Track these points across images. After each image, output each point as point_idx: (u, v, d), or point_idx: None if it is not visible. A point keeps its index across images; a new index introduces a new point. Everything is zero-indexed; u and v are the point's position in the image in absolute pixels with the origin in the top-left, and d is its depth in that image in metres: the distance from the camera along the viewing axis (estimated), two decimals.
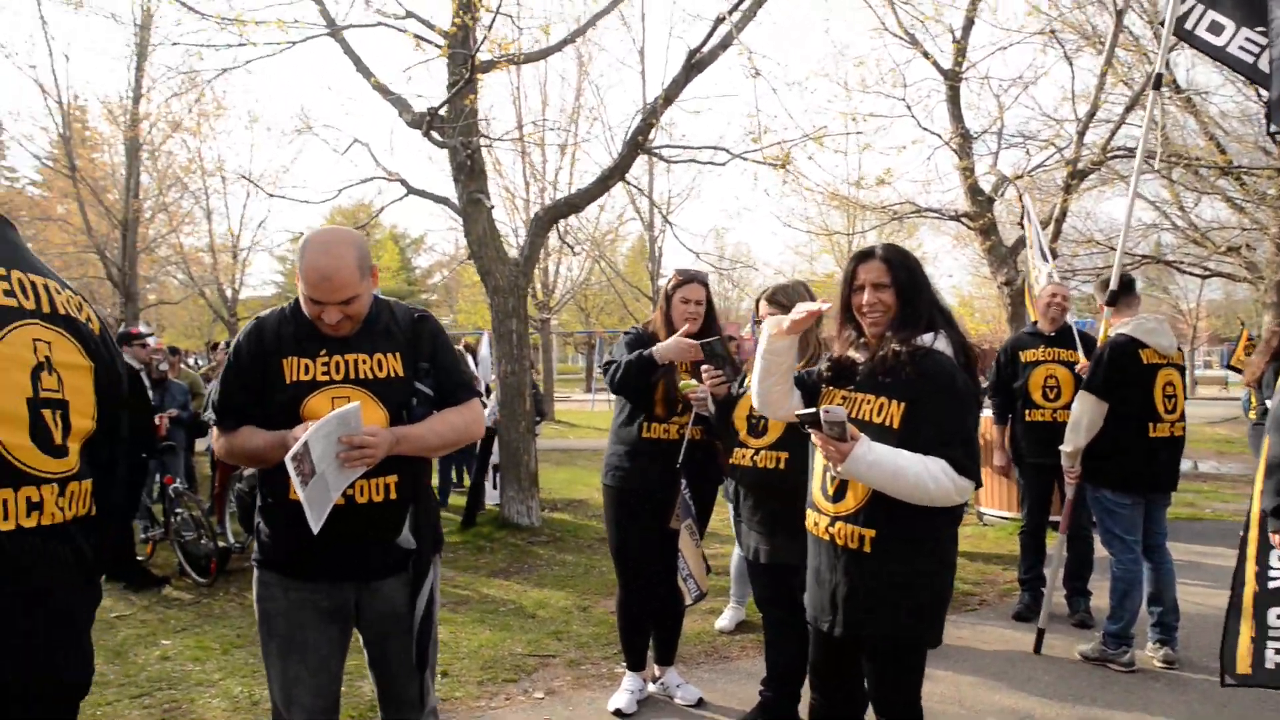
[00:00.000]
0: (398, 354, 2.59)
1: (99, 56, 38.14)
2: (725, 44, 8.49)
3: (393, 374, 2.56)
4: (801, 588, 2.91)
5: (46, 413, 1.75)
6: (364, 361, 2.53)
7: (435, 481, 9.84)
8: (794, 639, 3.46)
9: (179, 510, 6.89)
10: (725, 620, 5.54)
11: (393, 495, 2.52)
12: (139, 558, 6.98)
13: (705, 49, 8.47)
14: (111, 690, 4.46)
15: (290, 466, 2.22)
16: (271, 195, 16.95)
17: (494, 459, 9.23)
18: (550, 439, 17.45)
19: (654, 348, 3.89)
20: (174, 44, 19.45)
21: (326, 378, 2.50)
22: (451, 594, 6.28)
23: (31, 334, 1.77)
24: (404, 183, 9.50)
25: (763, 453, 3.52)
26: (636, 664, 4.26)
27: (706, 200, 71.51)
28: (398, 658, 2.60)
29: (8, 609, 1.69)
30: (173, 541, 6.90)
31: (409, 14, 8.46)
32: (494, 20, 8.26)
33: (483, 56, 8.27)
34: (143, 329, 11.20)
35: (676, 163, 13.56)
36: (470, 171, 8.76)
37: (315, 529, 2.34)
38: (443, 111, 8.39)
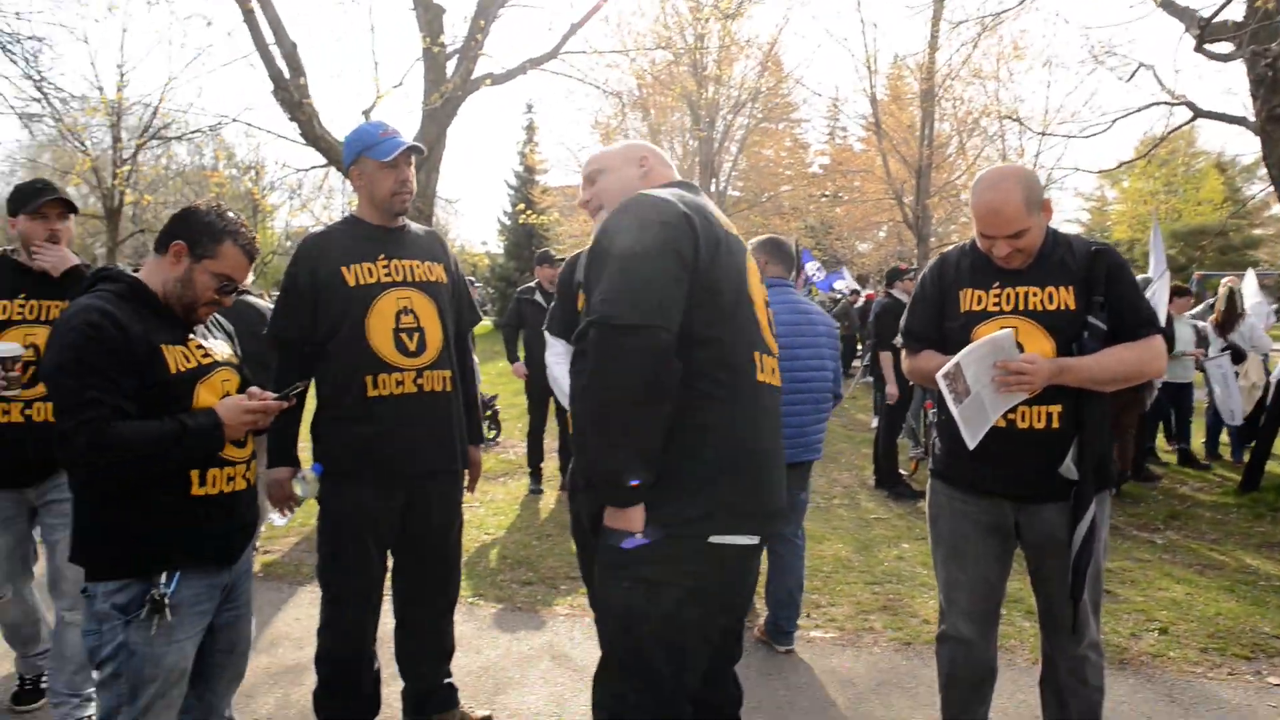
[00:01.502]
0: (1070, 287, 2.58)
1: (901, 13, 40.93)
2: None
3: (1063, 306, 2.57)
4: None
5: None
6: (1034, 294, 2.59)
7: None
8: None
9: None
10: None
11: (1055, 424, 2.55)
12: (901, 472, 7.88)
13: None
14: (854, 574, 5.29)
15: (942, 384, 2.44)
16: (1042, 134, 16.60)
17: None
18: None
19: None
20: None
21: (997, 308, 2.63)
22: (1205, 556, 5.75)
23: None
24: (1191, 105, 8.61)
25: None
26: None
27: None
28: (1054, 581, 2.65)
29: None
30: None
31: None
32: None
33: None
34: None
35: None
36: (1273, 85, 7.53)
37: (970, 445, 2.52)
38: (1231, 19, 7.36)
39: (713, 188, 22.78)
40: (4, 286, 3.20)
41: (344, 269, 2.99)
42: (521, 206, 21.16)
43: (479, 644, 4.30)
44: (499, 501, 7.34)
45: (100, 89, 21.24)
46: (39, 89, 13.39)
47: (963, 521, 2.74)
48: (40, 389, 3.04)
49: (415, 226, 3.27)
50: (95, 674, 2.29)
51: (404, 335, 3.00)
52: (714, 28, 16.34)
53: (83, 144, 20.11)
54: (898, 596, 4.90)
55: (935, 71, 18.36)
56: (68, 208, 3.29)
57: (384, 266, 3.04)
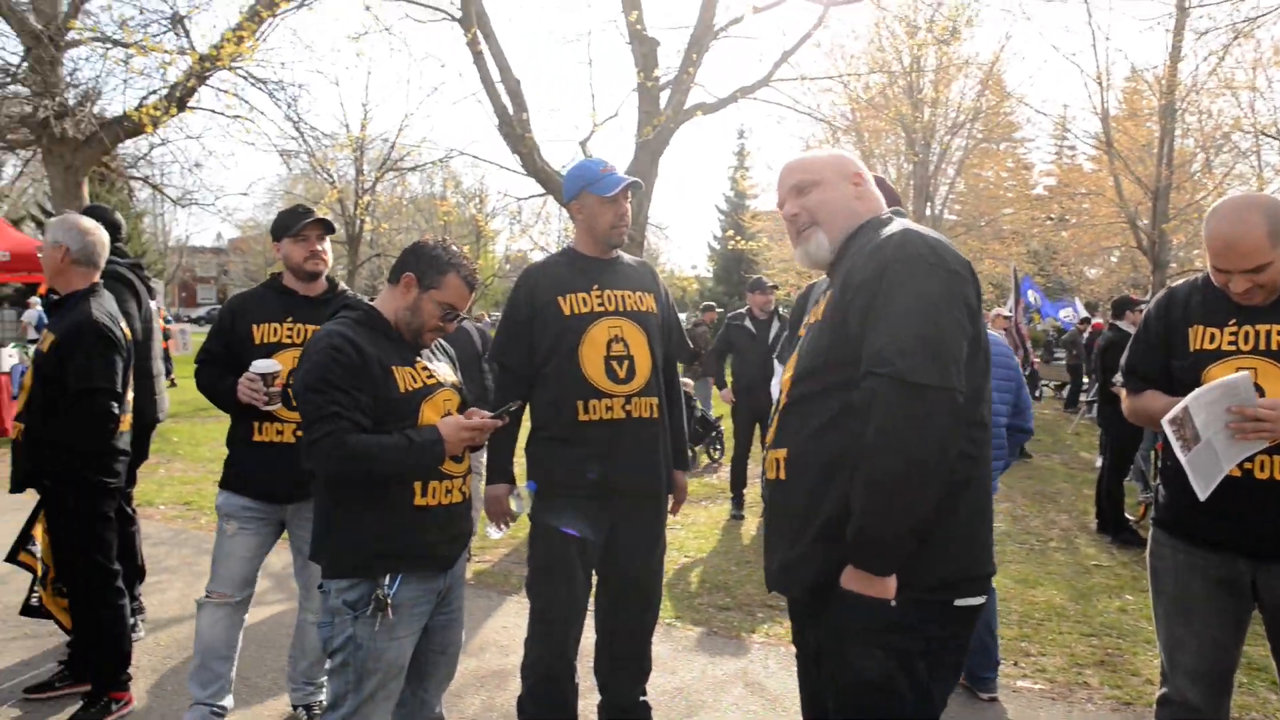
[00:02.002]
0: None
1: (1134, 25, 38.12)
2: None
3: None
4: None
5: None
6: (1277, 332, 2.39)
7: None
8: None
9: None
10: None
11: None
12: (1128, 516, 7.34)
13: None
14: (1068, 623, 4.98)
15: (1168, 430, 2.29)
16: None
17: None
18: None
19: None
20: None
21: (1233, 348, 2.44)
22: None
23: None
24: None
25: None
26: None
27: None
28: None
29: None
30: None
31: None
32: None
33: None
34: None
35: None
36: None
37: (1201, 496, 2.35)
38: None
39: (927, 212, 22.11)
40: (273, 310, 3.43)
41: (560, 299, 3.16)
42: (730, 232, 21.34)
43: (675, 665, 4.37)
44: (700, 525, 7.43)
45: (346, 126, 23.37)
46: (296, 128, 14.89)
47: (1189, 575, 2.54)
48: None
49: (628, 258, 3.40)
50: (328, 663, 2.54)
51: (614, 363, 3.14)
52: (930, 50, 15.94)
53: (330, 176, 22.13)
54: (1117, 651, 4.56)
55: (1177, 84, 17.01)
56: (326, 229, 3.47)
57: (597, 296, 3.18)
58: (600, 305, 3.18)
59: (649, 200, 10.19)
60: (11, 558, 3.98)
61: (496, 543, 6.59)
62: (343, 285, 3.58)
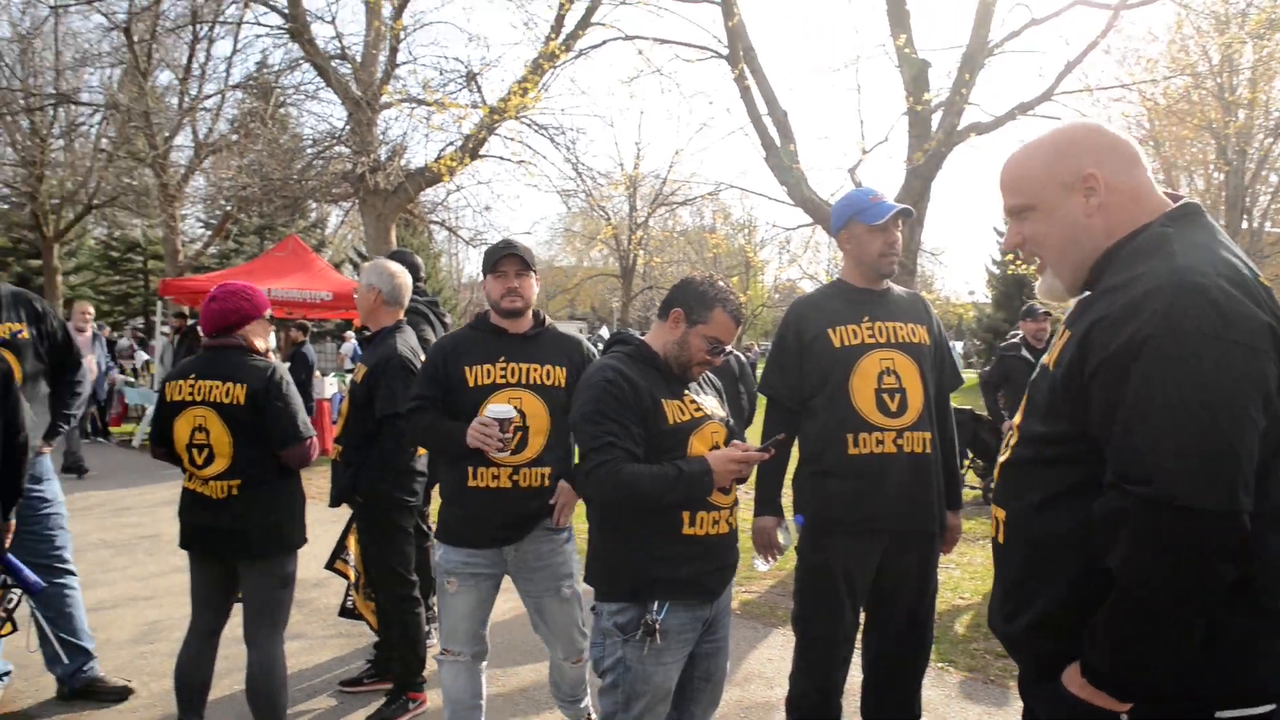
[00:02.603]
0: None
1: None
2: None
3: None
4: None
5: None
6: None
7: None
8: None
9: None
10: None
11: None
12: None
13: None
14: None
15: None
16: None
17: None
18: None
19: None
20: None
21: None
22: None
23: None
24: None
25: None
26: None
27: None
28: None
29: None
30: None
31: None
32: None
33: None
34: None
35: None
36: None
37: None
38: None
39: (1244, 224, 19.76)
40: (485, 351, 3.22)
41: (829, 331, 3.11)
42: (1010, 256, 20.16)
43: (945, 712, 4.13)
44: (977, 566, 7.00)
45: (620, 165, 24.48)
46: (575, 169, 15.83)
47: None
48: (526, 454, 3.11)
49: (899, 289, 3.31)
50: (599, 681, 2.62)
51: (886, 396, 3.05)
52: (1245, 46, 14.26)
53: (606, 213, 23.28)
54: None
55: None
56: (524, 265, 3.21)
57: (868, 328, 3.11)
58: (871, 337, 3.11)
59: (921, 227, 9.88)
60: (330, 565, 4.45)
61: (763, 574, 6.56)
62: (548, 319, 3.40)
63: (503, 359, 3.19)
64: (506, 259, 3.18)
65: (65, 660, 4.07)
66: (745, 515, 3.23)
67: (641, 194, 24.14)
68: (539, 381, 3.17)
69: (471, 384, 3.15)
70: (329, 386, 12.67)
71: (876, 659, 3.26)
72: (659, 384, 2.60)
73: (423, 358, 3.78)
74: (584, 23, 13.36)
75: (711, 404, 2.76)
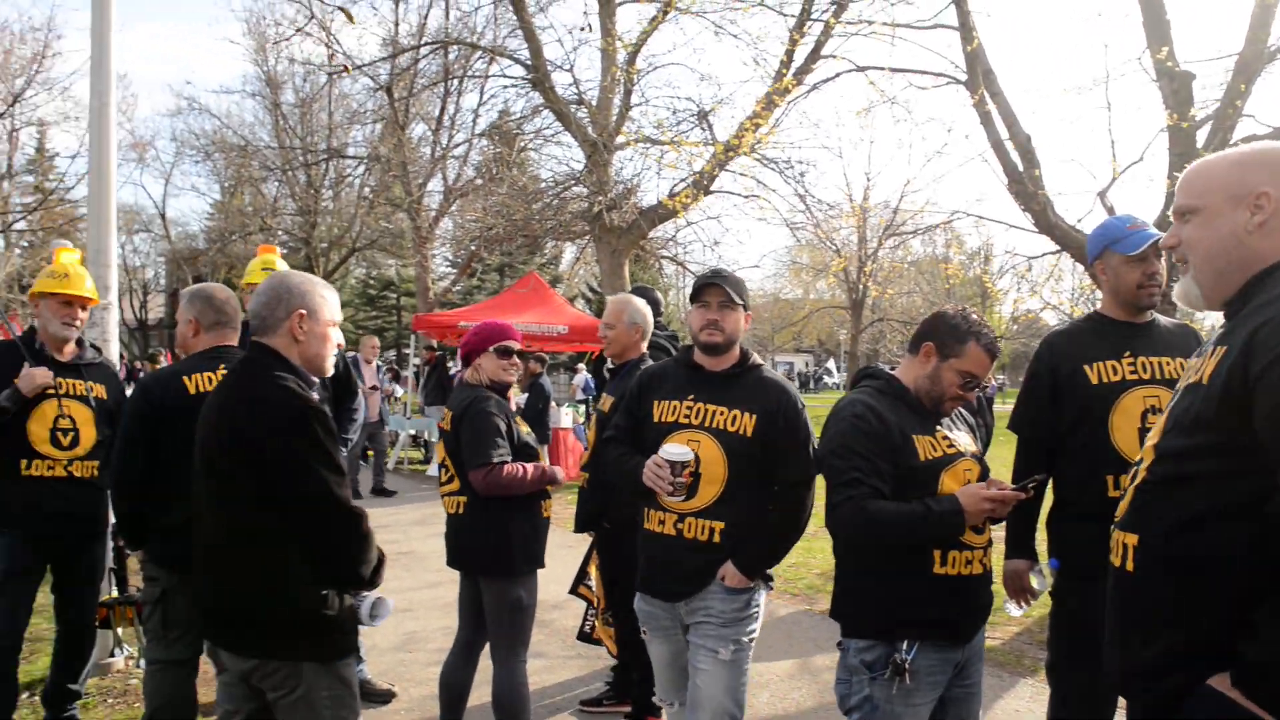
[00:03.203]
0: None
1: None
2: None
3: None
4: None
5: None
6: None
7: None
8: None
9: None
10: None
11: None
12: None
13: None
14: None
15: None
16: None
17: None
18: None
19: None
20: None
21: None
22: None
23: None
24: None
25: None
26: None
27: None
28: None
29: None
30: None
31: None
32: None
33: None
34: None
35: None
36: None
37: None
38: None
39: None
40: (678, 386, 3.06)
41: (1086, 366, 2.97)
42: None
43: None
44: None
45: (850, 196, 24.15)
46: (804, 202, 15.78)
47: None
48: (695, 503, 2.91)
49: (1165, 320, 3.11)
50: (845, 718, 2.60)
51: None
52: None
53: (835, 245, 23.01)
54: None
55: None
56: (729, 297, 2.96)
57: (1129, 364, 2.94)
58: (1133, 373, 2.93)
59: None
60: (573, 590, 4.67)
61: (1009, 619, 6.24)
62: (754, 356, 3.12)
63: (691, 397, 3.00)
64: (710, 288, 2.97)
65: None
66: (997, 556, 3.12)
67: (871, 224, 23.66)
68: (722, 426, 2.91)
69: (656, 419, 3.02)
70: (565, 416, 13.26)
71: None
72: (910, 419, 2.58)
73: None
74: (814, 56, 13.39)
75: (964, 440, 2.71)
